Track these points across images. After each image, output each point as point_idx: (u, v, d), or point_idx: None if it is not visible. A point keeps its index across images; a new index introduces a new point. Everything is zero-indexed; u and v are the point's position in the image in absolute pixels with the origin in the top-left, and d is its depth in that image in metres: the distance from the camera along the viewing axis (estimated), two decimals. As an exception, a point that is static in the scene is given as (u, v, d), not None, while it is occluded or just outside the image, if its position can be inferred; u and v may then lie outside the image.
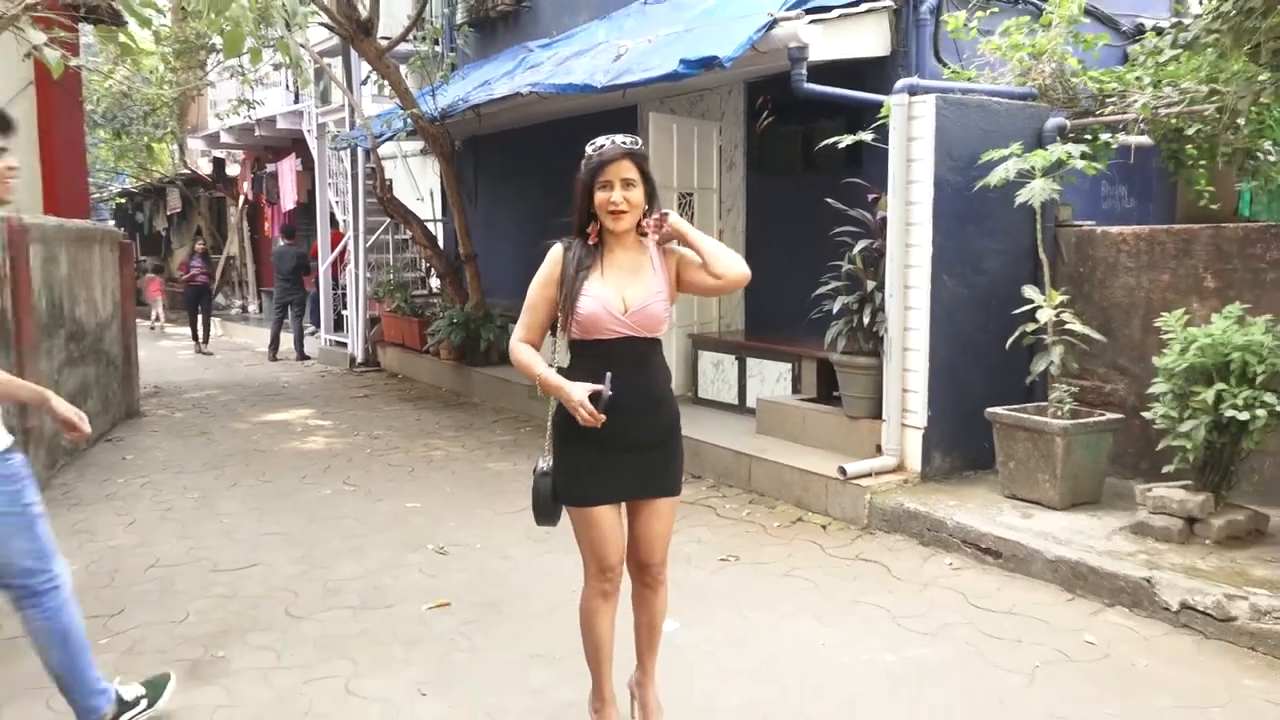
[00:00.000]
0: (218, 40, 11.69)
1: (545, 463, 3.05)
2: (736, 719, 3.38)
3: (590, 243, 2.98)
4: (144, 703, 3.33)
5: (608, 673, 3.12)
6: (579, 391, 2.82)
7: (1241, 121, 5.50)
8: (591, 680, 3.15)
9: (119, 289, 9.32)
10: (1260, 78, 4.61)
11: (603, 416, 2.82)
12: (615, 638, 3.13)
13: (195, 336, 14.92)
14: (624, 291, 2.92)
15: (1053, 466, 5.11)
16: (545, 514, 3.06)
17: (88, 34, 10.40)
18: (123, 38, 6.52)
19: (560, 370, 2.98)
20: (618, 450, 2.94)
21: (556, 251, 3.01)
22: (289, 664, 3.84)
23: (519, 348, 3.01)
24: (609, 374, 2.84)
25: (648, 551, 3.07)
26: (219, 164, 20.79)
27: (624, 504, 3.04)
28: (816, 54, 6.12)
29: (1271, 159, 5.97)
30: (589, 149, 2.93)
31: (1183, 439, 4.53)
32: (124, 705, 3.25)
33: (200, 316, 14.92)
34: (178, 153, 20.88)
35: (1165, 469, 4.73)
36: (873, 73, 6.69)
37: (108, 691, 3.20)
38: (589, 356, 2.94)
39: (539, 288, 3.00)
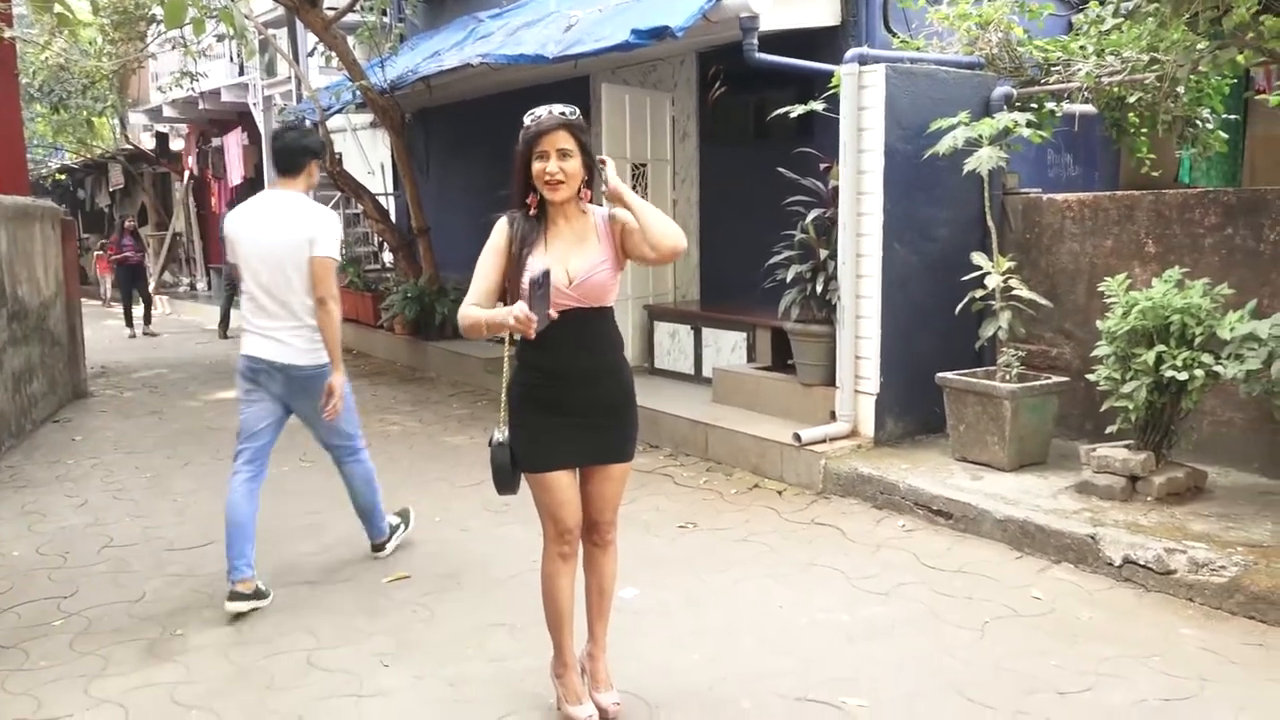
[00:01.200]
0: (158, 10, 11.41)
1: (501, 434, 3.08)
2: (696, 676, 3.45)
3: (531, 214, 2.98)
4: (403, 527, 4.84)
5: (568, 637, 3.17)
6: (513, 309, 2.77)
7: (1181, 89, 5.63)
8: (553, 645, 3.20)
9: (62, 267, 9.12)
10: (1198, 46, 4.71)
11: (534, 317, 2.72)
12: (575, 602, 3.17)
13: (130, 319, 14.11)
14: (568, 263, 2.94)
15: (1001, 429, 5.23)
16: (505, 483, 3.10)
17: (20, 4, 10.09)
18: (58, 8, 6.33)
19: (514, 344, 3.04)
20: (571, 417, 3.00)
21: (503, 223, 3.03)
22: (249, 639, 3.83)
23: (470, 310, 2.97)
24: (544, 269, 2.79)
25: (598, 510, 3.13)
26: (162, 138, 20.33)
27: (578, 468, 3.09)
28: (768, 24, 6.14)
29: (1209, 126, 6.12)
30: (526, 119, 2.93)
31: (1125, 400, 4.66)
32: (394, 529, 4.77)
33: (139, 295, 14.33)
34: (119, 127, 20.35)
35: (1108, 429, 4.87)
36: (823, 42, 6.73)
37: (387, 518, 4.74)
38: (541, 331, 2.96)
39: (488, 256, 3.01)
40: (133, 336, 13.82)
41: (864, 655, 3.60)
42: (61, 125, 17.82)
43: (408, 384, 9.60)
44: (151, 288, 17.34)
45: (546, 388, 2.99)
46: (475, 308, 2.97)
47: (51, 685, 3.48)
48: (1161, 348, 4.53)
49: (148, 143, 20.62)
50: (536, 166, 2.90)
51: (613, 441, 3.08)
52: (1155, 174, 6.41)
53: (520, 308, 2.76)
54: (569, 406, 2.99)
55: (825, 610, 4.00)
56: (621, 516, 4.41)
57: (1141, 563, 4.12)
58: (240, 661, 3.64)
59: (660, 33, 6.10)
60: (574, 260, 2.95)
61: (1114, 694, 3.26)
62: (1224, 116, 6.32)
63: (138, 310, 14.21)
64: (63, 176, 23.99)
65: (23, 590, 4.39)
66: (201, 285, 19.98)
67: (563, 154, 2.88)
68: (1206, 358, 4.45)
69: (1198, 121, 6.06)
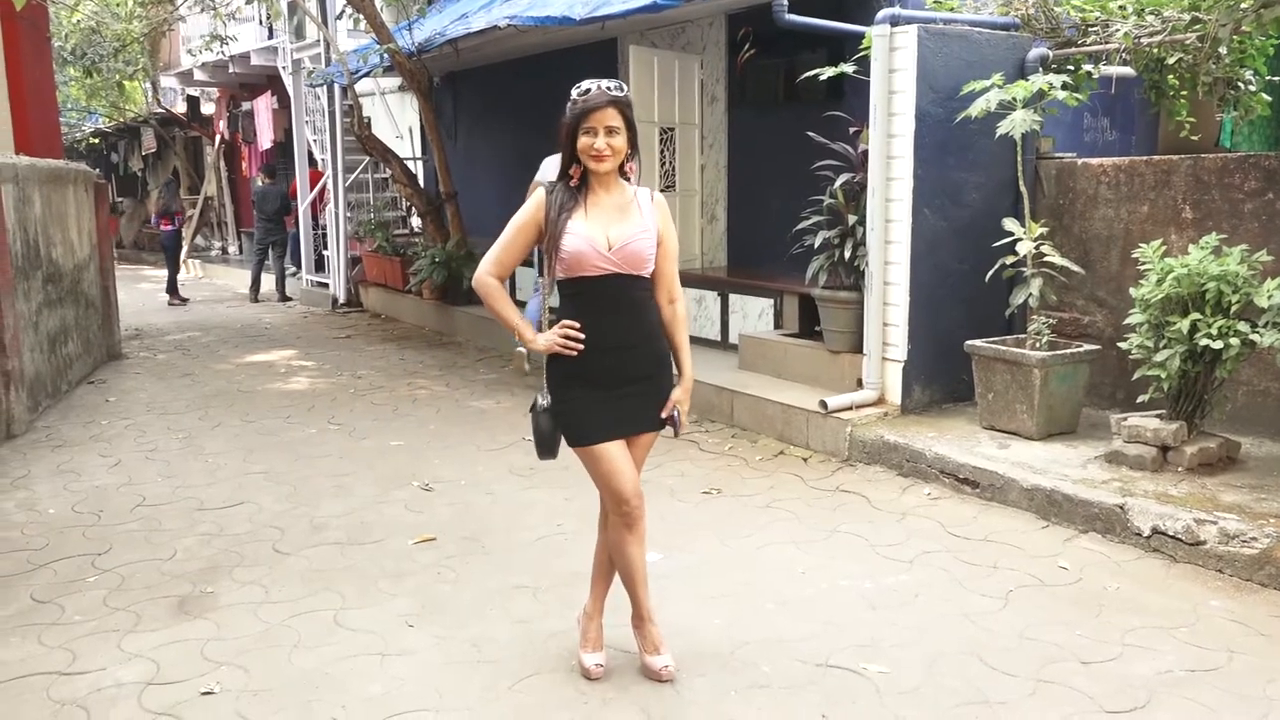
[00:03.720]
0: (187, -27, 11.42)
1: (544, 399, 3.11)
2: (718, 637, 3.46)
3: (572, 184, 3.03)
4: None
5: (644, 593, 3.20)
6: (542, 341, 3.02)
7: (1223, 50, 5.48)
8: (631, 602, 3.22)
9: (95, 230, 9.22)
10: (1242, 5, 4.58)
11: (575, 345, 2.98)
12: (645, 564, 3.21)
13: (175, 286, 13.82)
14: (608, 230, 2.99)
15: (1030, 397, 5.17)
16: (548, 448, 3.14)
17: (52, -33, 10.12)
18: (88, -30, 6.35)
19: (551, 310, 3.12)
20: (610, 387, 3.04)
21: (540, 194, 3.07)
22: (277, 598, 3.89)
23: (490, 284, 3.09)
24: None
25: None
26: (193, 102, 20.41)
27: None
28: (798, -16, 6.04)
29: (1252, 89, 5.95)
30: (575, 93, 2.98)
31: (1158, 369, 4.59)
32: None
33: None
34: (151, 91, 20.45)
35: (1140, 399, 4.80)
36: (855, 3, 6.61)
37: None
38: (577, 295, 3.03)
39: (518, 227, 3.07)
40: (172, 304, 13.66)
41: (886, 622, 3.59)
42: (94, 89, 17.94)
43: (435, 348, 9.65)
44: (183, 254, 17.46)
45: (586, 357, 3.00)
46: (504, 294, 3.10)
47: (86, 639, 3.56)
48: (1196, 316, 4.45)
49: (179, 107, 20.70)
50: (584, 141, 2.94)
51: (647, 410, 3.11)
52: (1195, 138, 6.24)
53: (556, 337, 2.99)
54: (607, 374, 3.02)
55: (848, 577, 3.99)
56: (646, 482, 4.42)
57: (1170, 533, 4.08)
58: (268, 620, 3.70)
59: (689, -7, 6.02)
60: (614, 228, 2.99)
61: (1139, 664, 3.24)
62: (1267, 78, 6.15)
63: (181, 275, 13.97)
64: (96, 140, 24.19)
65: (58, 547, 4.48)
66: (233, 249, 20.12)
67: (610, 130, 2.93)
68: (1243, 326, 4.37)
69: (1240, 84, 5.90)
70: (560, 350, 2.99)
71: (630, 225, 3.00)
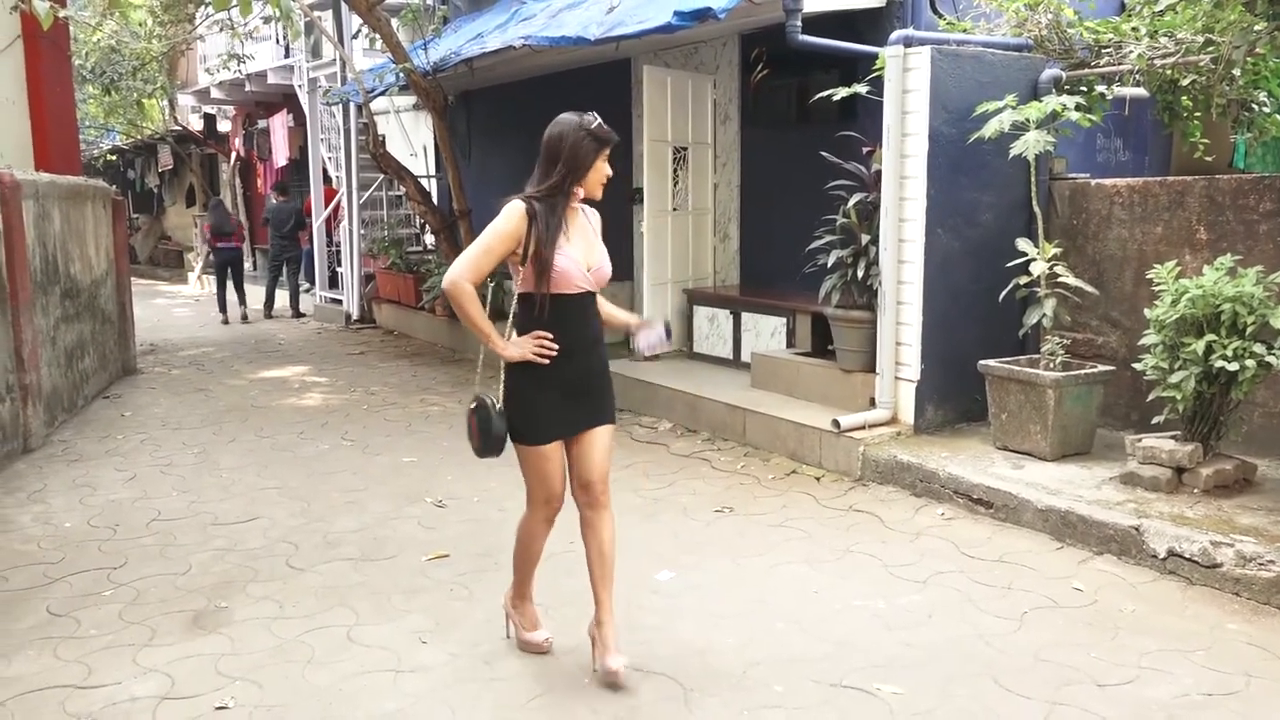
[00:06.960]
0: (206, -7, 11.55)
1: (494, 399, 3.25)
2: (731, 658, 3.45)
3: (572, 205, 3.22)
4: None
5: (531, 577, 3.54)
6: (515, 350, 3.16)
7: (1237, 72, 5.48)
8: (516, 581, 3.54)
9: (113, 246, 9.30)
10: (1256, 28, 4.59)
11: (547, 354, 3.16)
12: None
13: (224, 307, 13.44)
14: (589, 255, 3.24)
15: (1044, 418, 5.16)
16: (493, 447, 3.26)
17: (74, -13, 10.26)
18: (110, -10, 6.43)
19: (514, 316, 3.29)
20: (568, 391, 3.23)
21: (520, 208, 3.13)
22: (291, 614, 3.90)
23: (466, 289, 3.12)
24: (666, 322, 3.44)
25: (589, 471, 3.31)
26: (210, 120, 20.58)
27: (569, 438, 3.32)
28: (811, 5, 6.07)
29: (1266, 110, 5.96)
30: (592, 122, 3.16)
31: (1173, 390, 4.57)
32: None
33: (233, 284, 13.52)
34: (168, 109, 20.64)
35: (1155, 420, 4.79)
36: (868, 24, 6.64)
37: None
38: (554, 309, 3.18)
39: (502, 239, 3.13)
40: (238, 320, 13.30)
41: (900, 643, 3.58)
42: (113, 107, 18.11)
43: (448, 365, 9.68)
44: (197, 271, 17.59)
45: (554, 363, 3.17)
46: (477, 299, 3.16)
47: (101, 653, 3.57)
48: (1211, 337, 4.44)
49: (196, 124, 20.88)
50: (602, 168, 3.18)
51: (600, 406, 3.32)
52: (1208, 159, 6.26)
53: (529, 344, 3.14)
54: (567, 380, 3.20)
55: (861, 597, 3.98)
56: (658, 500, 4.43)
57: (1187, 556, 4.05)
58: (282, 635, 3.71)
59: (703, 14, 6.06)
60: (592, 252, 3.25)
61: (1155, 687, 3.22)
62: (1281, 100, 6.16)
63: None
64: (113, 157, 24.40)
65: (74, 561, 4.50)
66: (247, 265, 20.20)
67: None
68: (1258, 348, 4.35)
69: (1254, 105, 5.92)
70: (533, 359, 3.15)
71: (597, 248, 3.27)
